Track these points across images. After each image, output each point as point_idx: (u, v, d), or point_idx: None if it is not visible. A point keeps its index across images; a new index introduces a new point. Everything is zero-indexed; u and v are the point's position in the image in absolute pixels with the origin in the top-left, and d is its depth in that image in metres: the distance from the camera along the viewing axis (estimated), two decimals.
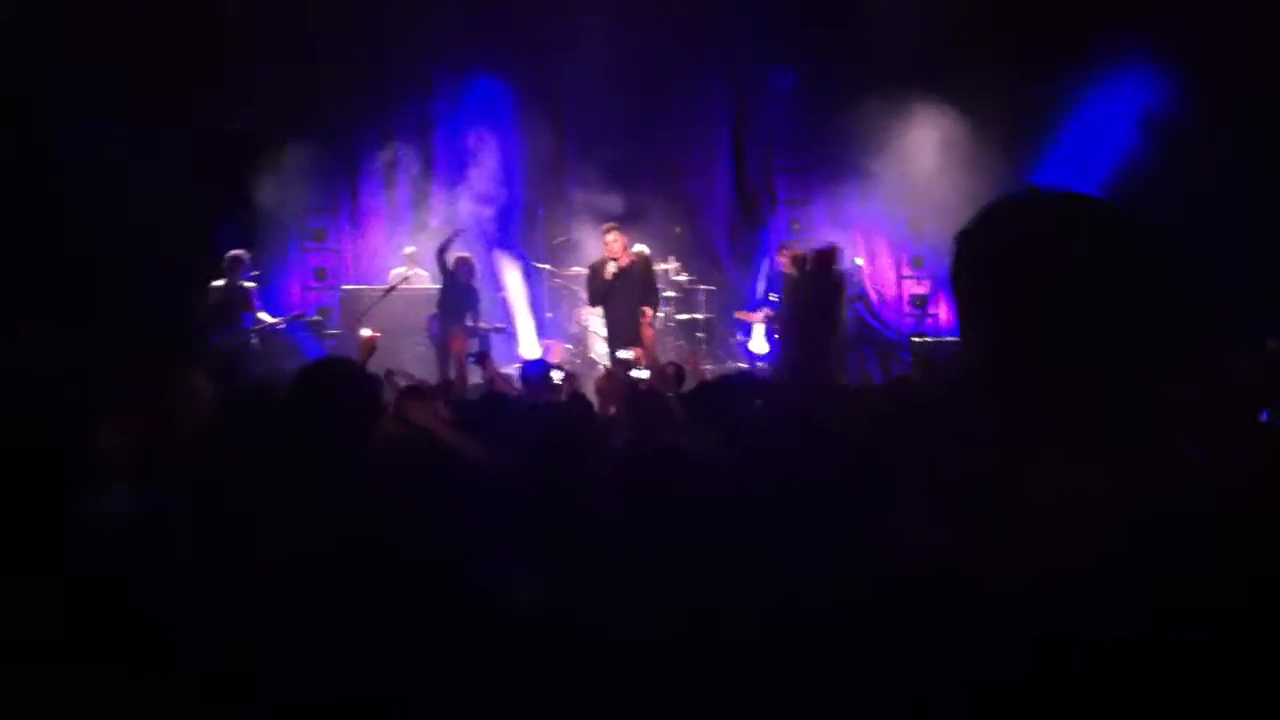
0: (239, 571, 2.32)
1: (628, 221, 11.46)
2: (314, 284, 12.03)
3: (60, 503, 1.98)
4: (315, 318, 10.57)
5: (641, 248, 11.06)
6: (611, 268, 9.15)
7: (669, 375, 7.10)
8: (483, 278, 10.84)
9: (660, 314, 10.89)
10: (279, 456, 2.90)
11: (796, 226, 12.24)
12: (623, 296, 9.17)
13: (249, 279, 9.84)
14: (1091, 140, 10.75)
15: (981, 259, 1.36)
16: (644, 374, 7.75)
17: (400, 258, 11.27)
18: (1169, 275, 1.26)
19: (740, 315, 11.13)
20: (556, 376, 6.54)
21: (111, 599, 1.88)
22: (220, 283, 9.64)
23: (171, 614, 1.97)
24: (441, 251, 10.09)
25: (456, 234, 10.42)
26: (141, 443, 3.36)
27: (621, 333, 9.15)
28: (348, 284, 11.52)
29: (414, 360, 9.79)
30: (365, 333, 7.92)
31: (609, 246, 9.24)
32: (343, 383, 3.09)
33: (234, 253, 9.80)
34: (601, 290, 9.28)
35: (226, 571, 2.31)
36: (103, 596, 1.87)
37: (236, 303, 9.64)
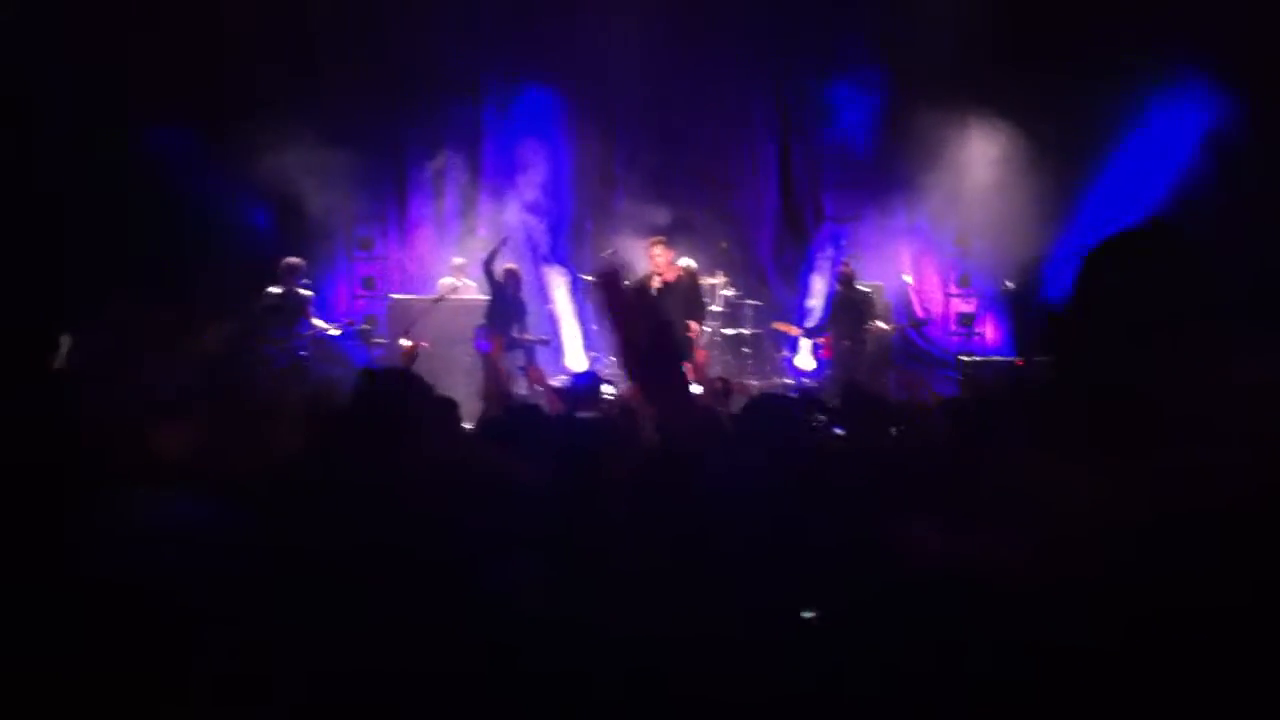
0: (274, 576, 2.37)
1: (674, 234, 11.49)
2: (361, 293, 12.09)
3: (96, 506, 1.99)
4: (363, 326, 10.62)
5: (689, 262, 11.07)
6: (655, 283, 9.11)
7: (718, 390, 7.08)
8: (530, 289, 10.87)
9: (706, 329, 10.90)
10: (333, 460, 2.95)
11: (844, 242, 12.18)
12: (671, 314, 9.04)
13: (302, 286, 9.91)
14: (1148, 159, 10.63)
15: (1101, 288, 1.39)
16: (696, 389, 7.73)
17: (449, 268, 11.31)
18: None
19: (777, 326, 11.10)
20: (608, 390, 6.51)
21: (142, 602, 1.90)
22: (277, 289, 9.70)
23: (197, 616, 1.98)
24: (488, 262, 10.13)
25: (503, 242, 10.45)
26: (193, 446, 3.39)
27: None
28: (396, 293, 11.57)
29: (461, 372, 9.85)
30: (404, 342, 7.95)
31: (654, 260, 9.21)
32: (412, 397, 3.11)
33: (289, 260, 9.85)
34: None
35: (261, 576, 2.36)
36: (137, 599, 1.89)
37: (292, 309, 9.69)
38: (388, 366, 7.54)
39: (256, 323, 9.55)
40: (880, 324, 10.89)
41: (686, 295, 9.25)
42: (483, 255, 10.38)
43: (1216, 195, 9.89)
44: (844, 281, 10.63)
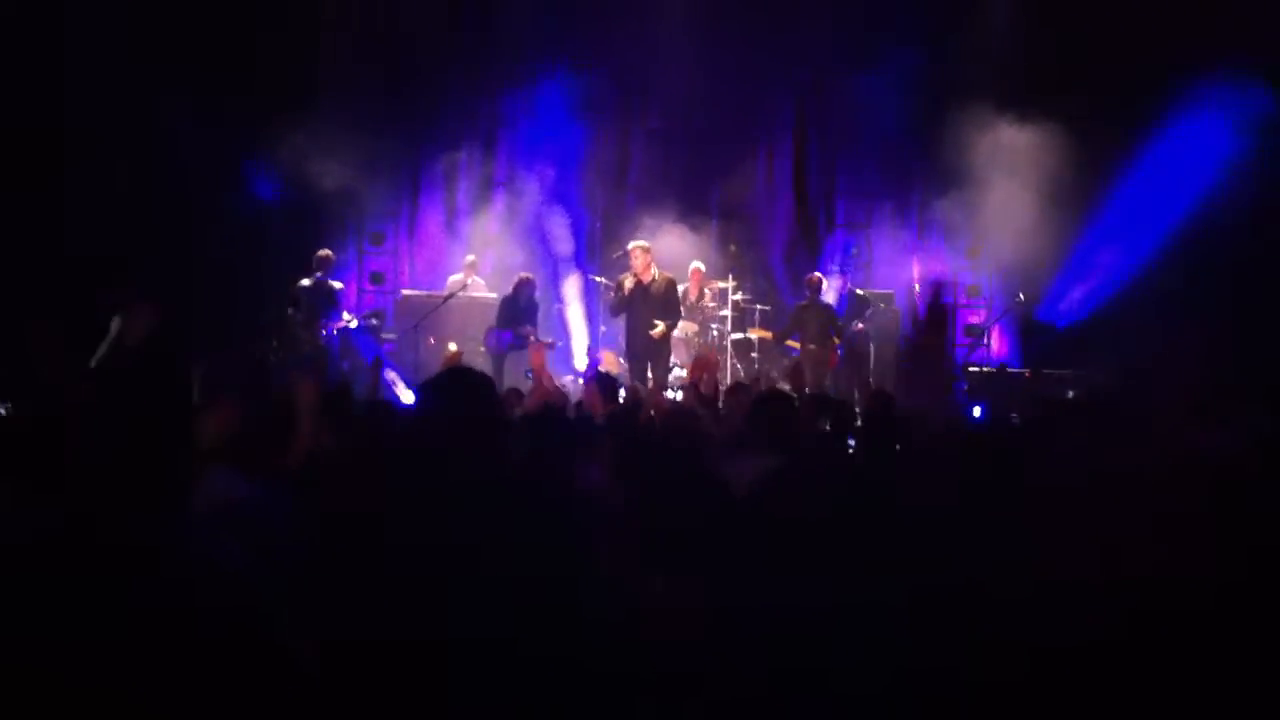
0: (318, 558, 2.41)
1: (687, 236, 11.54)
2: (370, 287, 12.11)
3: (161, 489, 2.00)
4: (373, 320, 10.64)
5: (697, 265, 11.11)
6: (629, 282, 9.40)
7: (703, 392, 7.04)
8: (542, 290, 10.91)
9: (715, 333, 10.92)
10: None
11: (855, 251, 12.18)
12: (641, 313, 9.42)
13: (335, 278, 10.13)
14: (1164, 176, 10.64)
15: None
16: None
17: (460, 264, 11.32)
18: None
19: (753, 332, 11.07)
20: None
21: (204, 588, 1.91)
22: (308, 281, 9.85)
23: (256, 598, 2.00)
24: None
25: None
26: (235, 435, 3.44)
27: (635, 347, 9.41)
28: (405, 289, 11.59)
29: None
30: (452, 347, 8.07)
31: (633, 262, 9.51)
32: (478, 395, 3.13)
33: (322, 252, 10.13)
34: (618, 304, 9.60)
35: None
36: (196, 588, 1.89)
37: (324, 301, 9.89)
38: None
39: (289, 314, 9.71)
40: (859, 324, 10.94)
41: (662, 300, 9.49)
42: (495, 253, 10.44)
43: (1236, 211, 9.92)
44: (812, 288, 10.66)
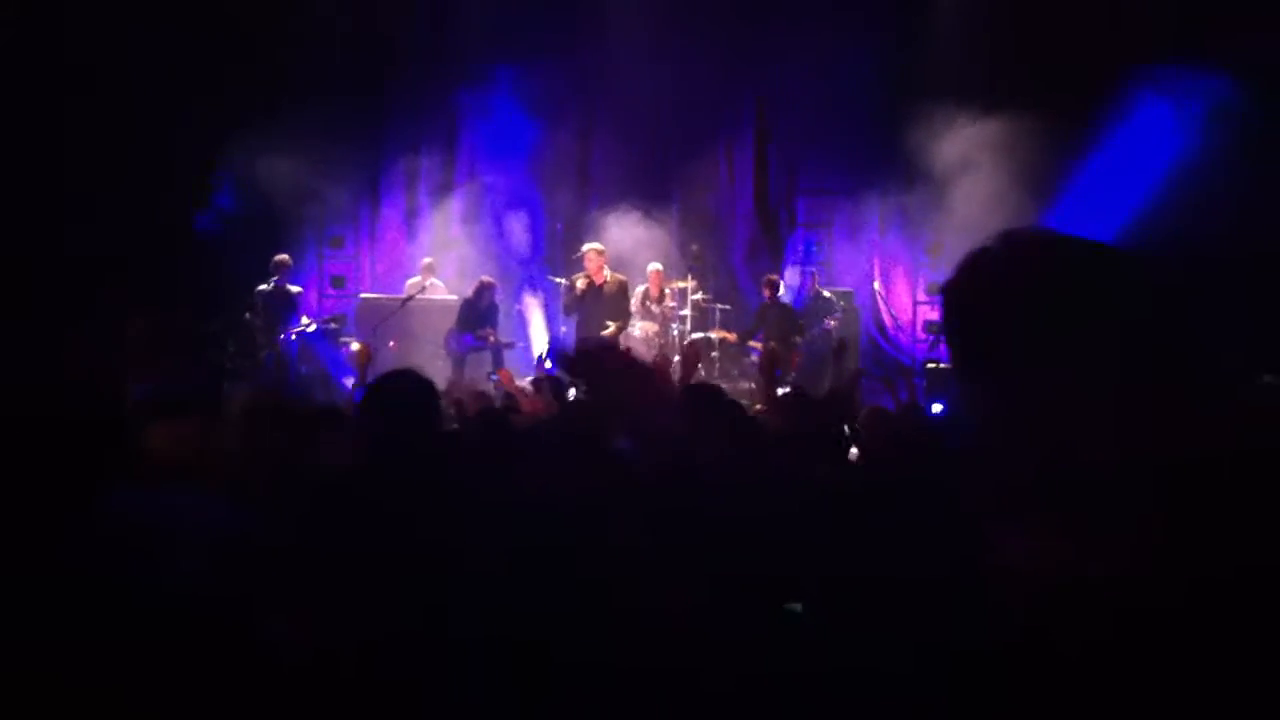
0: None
1: (648, 237, 11.56)
2: (330, 291, 12.06)
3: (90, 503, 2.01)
4: (332, 325, 10.59)
5: (656, 266, 11.14)
6: (582, 283, 9.62)
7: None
8: (501, 291, 10.91)
9: (675, 333, 10.94)
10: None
11: (816, 248, 12.22)
12: (593, 314, 9.61)
13: (294, 283, 10.19)
14: (1122, 176, 10.74)
15: (967, 311, 1.32)
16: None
17: (418, 267, 11.30)
18: (1166, 315, 1.21)
19: (716, 333, 11.10)
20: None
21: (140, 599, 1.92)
22: (266, 286, 9.81)
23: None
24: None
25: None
26: (190, 445, 3.44)
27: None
28: (365, 292, 11.56)
29: (431, 373, 9.82)
30: (355, 346, 8.04)
31: (587, 263, 9.71)
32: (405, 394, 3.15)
33: (280, 257, 10.16)
34: (570, 304, 9.85)
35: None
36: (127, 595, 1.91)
37: (282, 306, 9.96)
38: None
39: (244, 319, 9.70)
40: (831, 320, 11.05)
41: (614, 302, 9.70)
42: (454, 255, 10.43)
43: (1193, 203, 10.02)
44: (770, 288, 10.75)
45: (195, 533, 2.59)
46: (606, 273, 9.75)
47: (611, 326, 9.54)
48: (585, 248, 9.88)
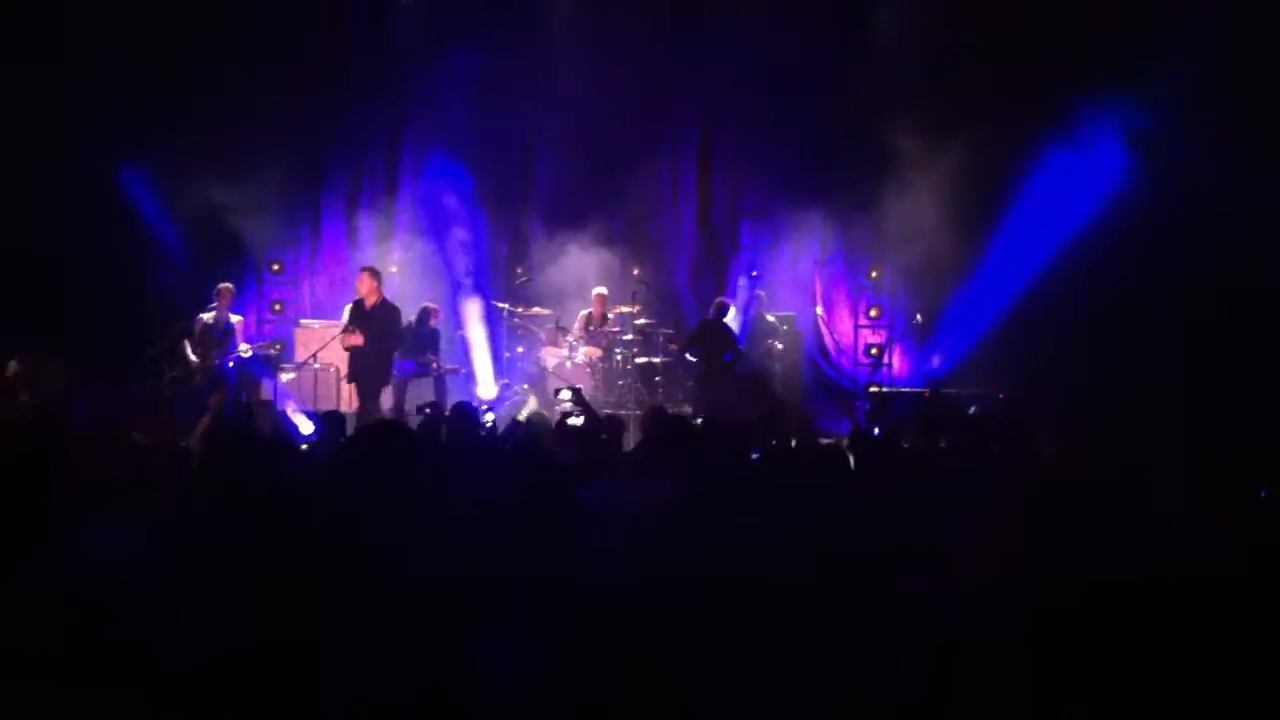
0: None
1: (592, 260, 11.58)
2: (270, 316, 11.92)
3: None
4: (271, 351, 10.41)
5: (600, 289, 11.17)
6: (348, 309, 9.60)
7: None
8: (444, 316, 10.85)
9: (619, 357, 10.94)
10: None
11: (755, 273, 12.27)
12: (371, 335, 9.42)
13: (235, 310, 10.09)
14: (1061, 200, 10.91)
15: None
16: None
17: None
18: None
19: (672, 346, 11.14)
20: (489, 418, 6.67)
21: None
22: (209, 315, 9.67)
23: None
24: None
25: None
26: (143, 463, 3.47)
27: (359, 370, 9.46)
28: (305, 318, 11.46)
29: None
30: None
31: (359, 285, 9.59)
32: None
33: (223, 285, 9.99)
34: (348, 327, 9.54)
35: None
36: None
37: (221, 333, 9.81)
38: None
39: (181, 346, 9.60)
40: (777, 344, 11.12)
41: (380, 321, 9.47)
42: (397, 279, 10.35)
43: (1124, 228, 10.23)
44: (715, 310, 10.82)
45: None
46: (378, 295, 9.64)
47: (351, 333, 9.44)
48: (361, 269, 9.89)
